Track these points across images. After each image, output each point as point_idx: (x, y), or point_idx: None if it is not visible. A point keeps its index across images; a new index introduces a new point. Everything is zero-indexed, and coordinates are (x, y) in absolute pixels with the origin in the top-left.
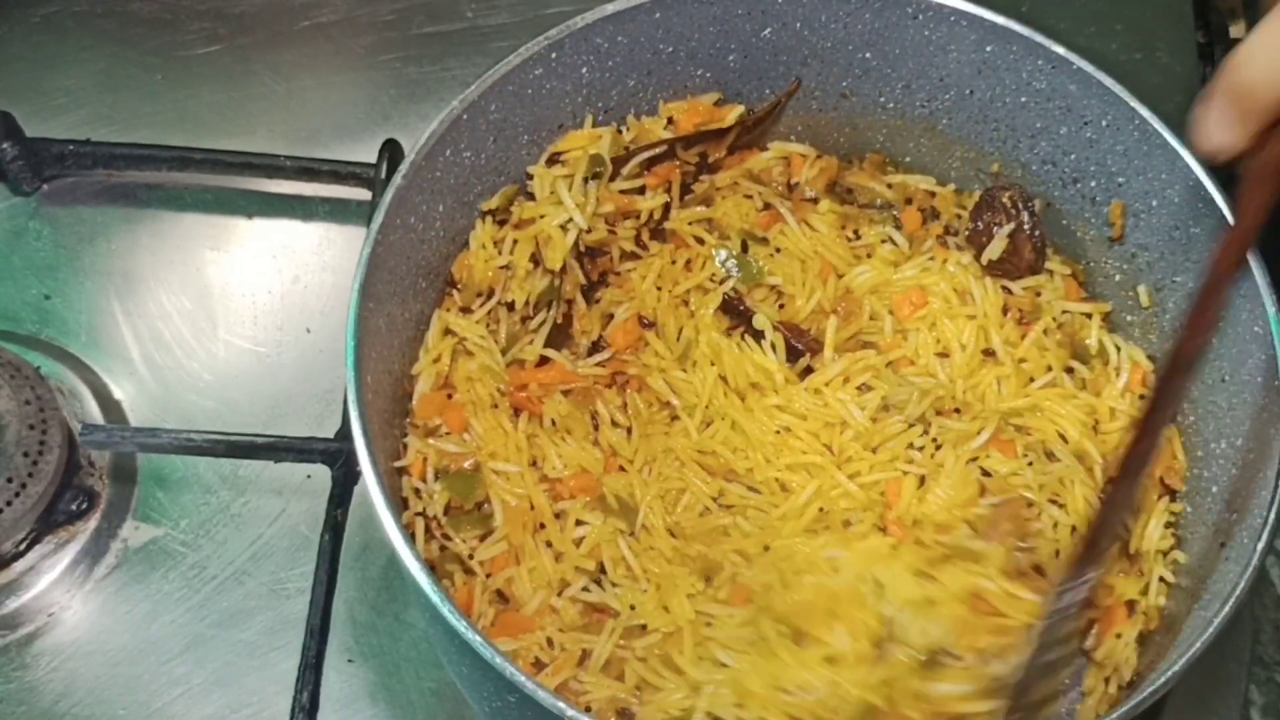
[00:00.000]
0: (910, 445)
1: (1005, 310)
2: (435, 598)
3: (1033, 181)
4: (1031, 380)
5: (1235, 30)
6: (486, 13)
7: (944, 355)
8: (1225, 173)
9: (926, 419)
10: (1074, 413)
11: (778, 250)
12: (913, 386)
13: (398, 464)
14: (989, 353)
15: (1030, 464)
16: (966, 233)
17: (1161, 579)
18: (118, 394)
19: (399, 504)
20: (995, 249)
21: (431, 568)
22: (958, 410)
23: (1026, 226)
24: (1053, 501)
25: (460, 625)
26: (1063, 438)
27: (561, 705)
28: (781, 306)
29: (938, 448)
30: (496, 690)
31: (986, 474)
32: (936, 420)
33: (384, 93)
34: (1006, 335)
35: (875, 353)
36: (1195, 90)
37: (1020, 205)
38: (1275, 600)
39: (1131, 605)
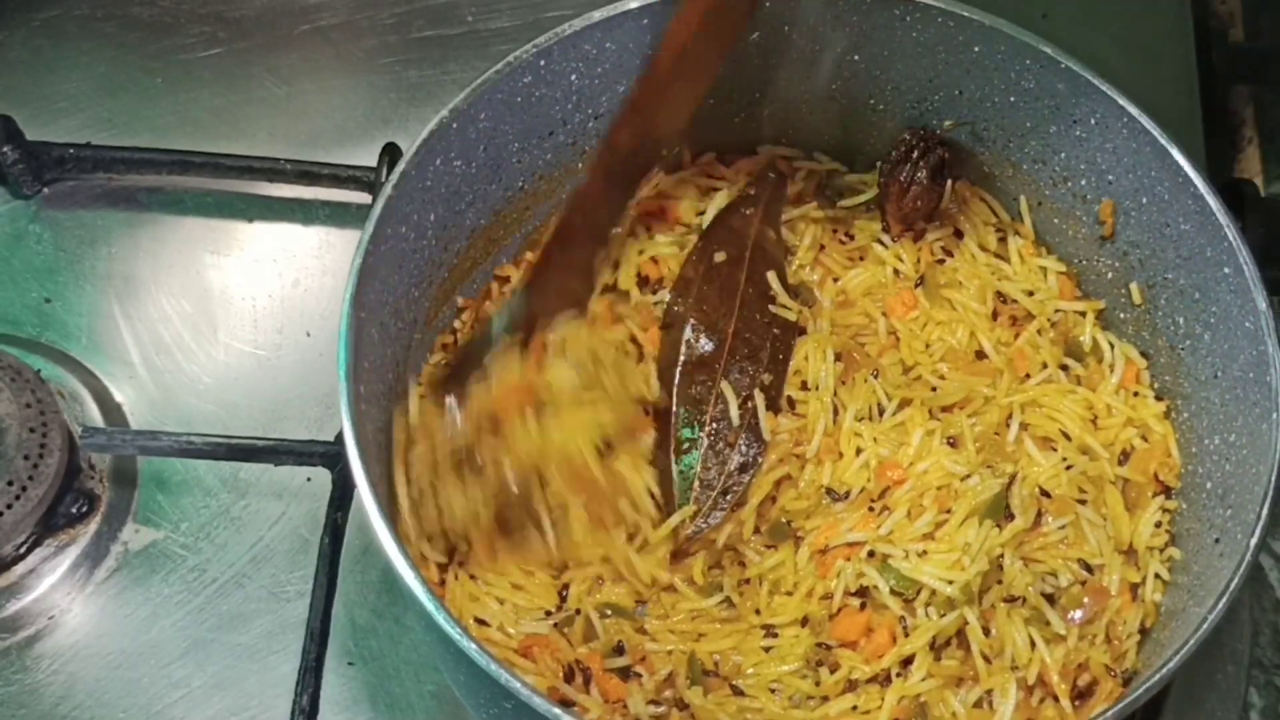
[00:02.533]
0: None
1: (995, 315)
2: (430, 605)
3: (1023, 181)
4: (1028, 377)
5: (1233, 34)
6: (486, 17)
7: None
8: (1218, 174)
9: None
10: (1073, 408)
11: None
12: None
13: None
14: (981, 354)
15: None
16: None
17: (1157, 575)
18: (118, 397)
19: (394, 513)
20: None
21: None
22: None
23: (921, 170)
24: (1080, 501)
25: (455, 633)
26: (1065, 435)
27: (558, 711)
28: None
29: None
30: (493, 697)
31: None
32: (946, 418)
33: (384, 96)
34: (999, 336)
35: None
36: (1194, 96)
37: (918, 148)
38: (1274, 603)
39: (1135, 591)
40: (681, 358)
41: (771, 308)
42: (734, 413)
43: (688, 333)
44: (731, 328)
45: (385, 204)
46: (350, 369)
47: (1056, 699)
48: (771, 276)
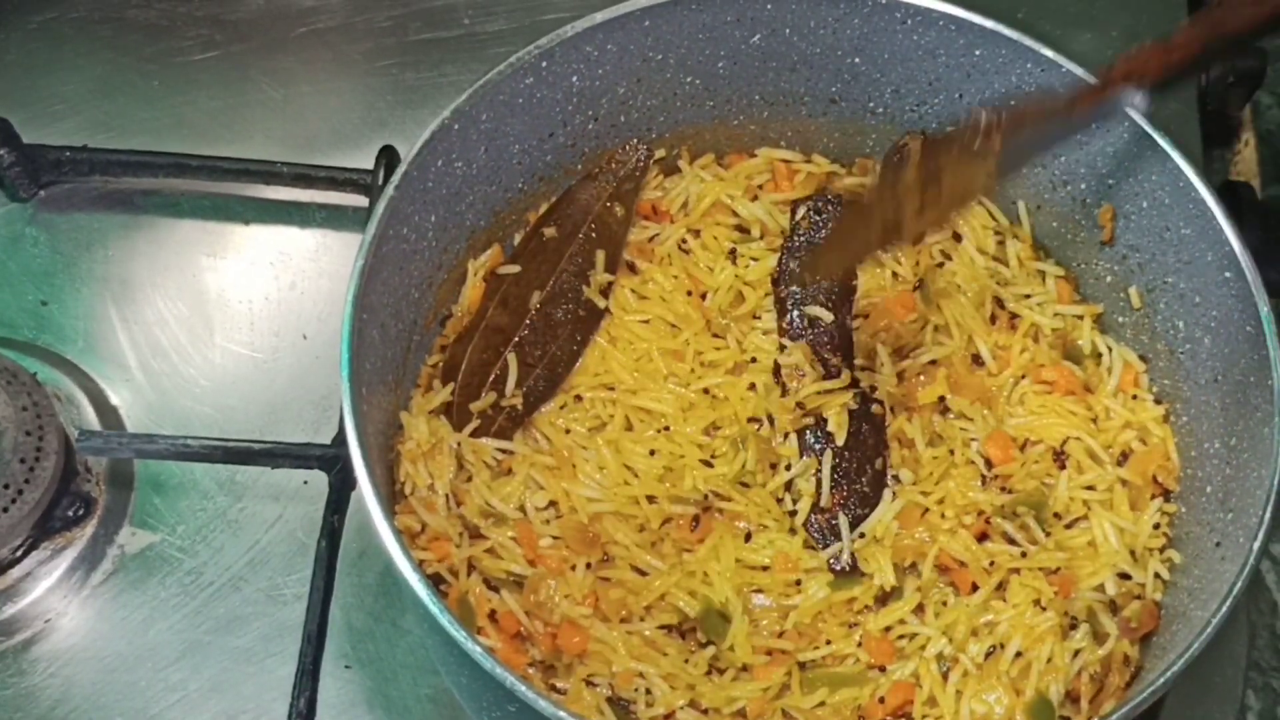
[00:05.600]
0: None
1: (994, 319)
2: (434, 608)
3: (1022, 184)
4: (1024, 377)
5: None
6: (483, 19)
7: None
8: (1214, 176)
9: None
10: (1076, 409)
11: None
12: None
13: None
14: (978, 359)
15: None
16: None
17: (1157, 575)
18: (115, 400)
19: (394, 514)
20: None
21: (430, 577)
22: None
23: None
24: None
25: (460, 636)
26: (1068, 440)
27: (564, 715)
28: None
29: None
30: (496, 700)
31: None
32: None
33: (381, 99)
34: (997, 339)
35: None
36: (1190, 97)
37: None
38: (1271, 606)
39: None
40: (483, 323)
41: (584, 288)
42: (510, 384)
43: (495, 300)
44: (536, 301)
45: (387, 205)
46: (353, 371)
47: (1075, 699)
48: (599, 256)
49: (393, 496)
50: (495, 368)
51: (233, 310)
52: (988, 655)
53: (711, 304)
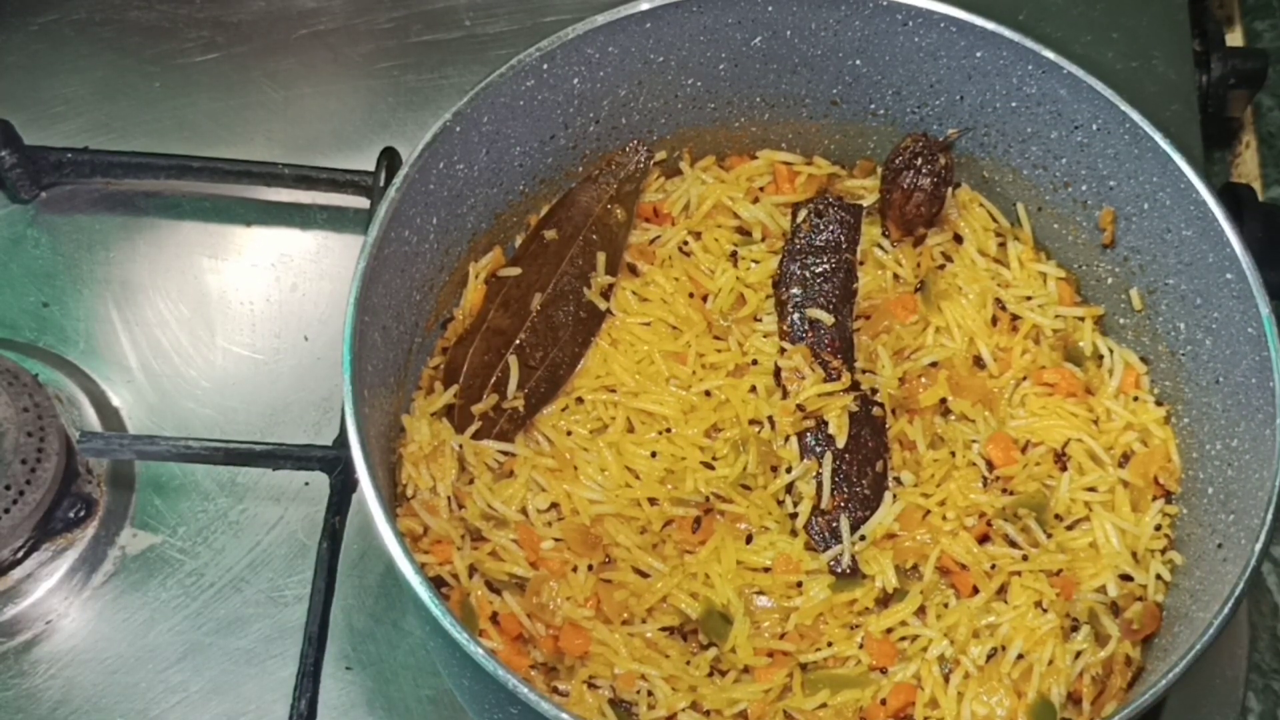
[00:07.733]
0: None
1: (995, 320)
2: (437, 611)
3: (1023, 186)
4: (1025, 379)
5: (1231, 38)
6: (484, 21)
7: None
8: (1216, 178)
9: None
10: (1077, 411)
11: None
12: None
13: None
14: (979, 361)
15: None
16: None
17: (1158, 576)
18: (116, 401)
19: (396, 516)
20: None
21: (432, 580)
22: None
23: (925, 177)
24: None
25: (462, 638)
26: (1069, 442)
27: (566, 717)
28: None
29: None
30: (498, 702)
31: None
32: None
33: (382, 101)
34: (998, 341)
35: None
36: (1192, 98)
37: (920, 156)
38: (1272, 608)
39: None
40: (485, 326)
41: (585, 290)
42: (511, 386)
43: (496, 302)
44: (537, 304)
45: (389, 207)
46: (354, 373)
47: (1077, 701)
48: (600, 258)
49: (394, 499)
50: (497, 370)
51: (234, 312)
52: (989, 657)
53: (713, 306)
